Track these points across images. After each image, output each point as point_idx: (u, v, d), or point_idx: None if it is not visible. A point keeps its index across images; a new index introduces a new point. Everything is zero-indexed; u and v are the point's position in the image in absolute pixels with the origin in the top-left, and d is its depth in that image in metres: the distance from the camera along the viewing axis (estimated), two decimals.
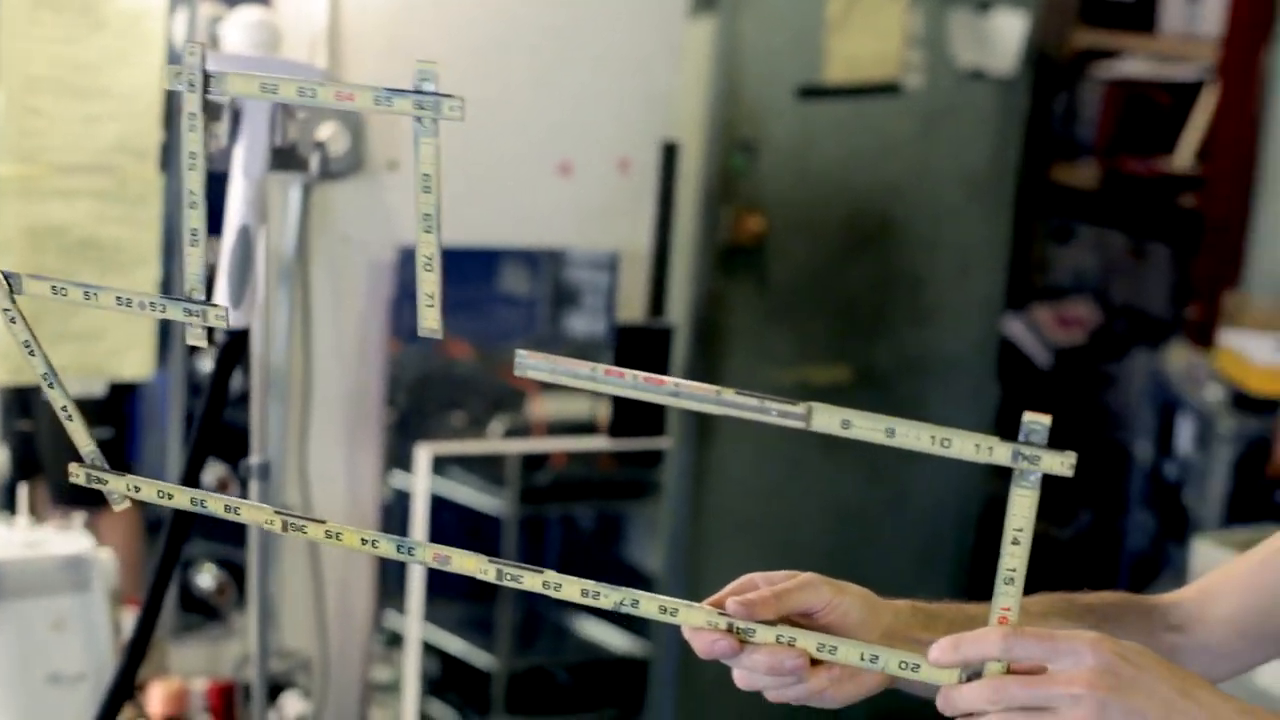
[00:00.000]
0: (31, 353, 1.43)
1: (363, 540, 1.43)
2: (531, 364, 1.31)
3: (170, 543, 2.63)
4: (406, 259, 3.60)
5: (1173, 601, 1.67)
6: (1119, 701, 1.25)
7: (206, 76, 1.34)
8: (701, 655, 1.41)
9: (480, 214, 3.68)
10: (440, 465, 3.79)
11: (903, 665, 1.36)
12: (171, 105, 3.28)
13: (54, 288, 1.42)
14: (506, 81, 3.68)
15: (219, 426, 2.74)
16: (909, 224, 4.81)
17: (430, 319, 1.34)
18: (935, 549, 4.95)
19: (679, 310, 4.44)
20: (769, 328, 4.65)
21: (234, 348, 2.69)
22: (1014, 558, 1.28)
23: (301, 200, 3.38)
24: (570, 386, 1.32)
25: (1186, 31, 5.99)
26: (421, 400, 3.78)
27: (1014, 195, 5.03)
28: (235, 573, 3.50)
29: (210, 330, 1.41)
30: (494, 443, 3.84)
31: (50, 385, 1.45)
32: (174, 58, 3.21)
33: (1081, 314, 6.22)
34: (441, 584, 3.77)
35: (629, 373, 1.30)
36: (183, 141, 1.36)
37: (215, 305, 1.41)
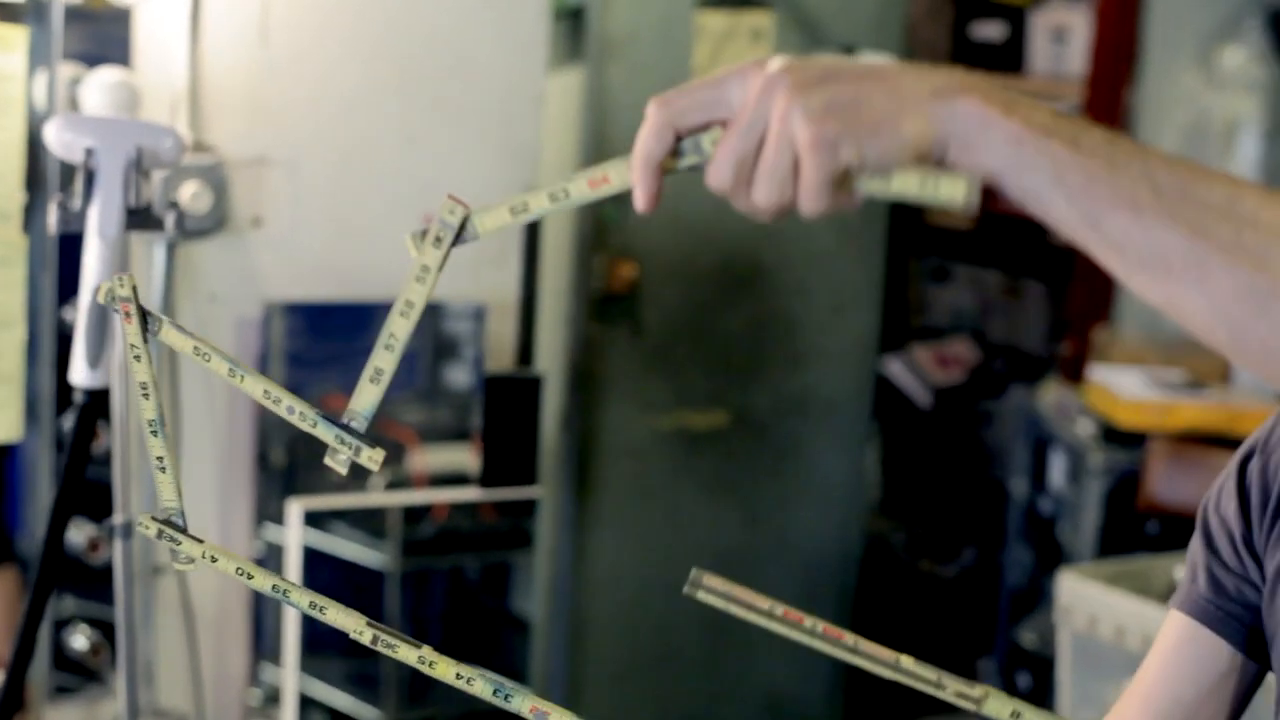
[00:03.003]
0: (146, 395, 1.34)
1: (457, 675, 1.33)
2: (706, 586, 1.26)
3: (33, 604, 2.64)
4: (272, 315, 3.61)
5: None
6: (812, 86, 1.20)
7: (463, 225, 1.24)
8: None
9: (350, 268, 3.70)
10: (322, 520, 3.80)
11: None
12: (34, 167, 3.29)
13: (196, 348, 1.31)
14: (370, 136, 3.71)
15: (81, 486, 2.75)
16: (781, 268, 4.85)
17: None
18: (818, 591, 4.98)
19: (553, 359, 4.47)
20: (645, 374, 4.69)
21: (93, 407, 2.70)
22: None
23: (166, 259, 3.39)
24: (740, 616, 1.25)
25: (1054, 71, 6.09)
26: (300, 455, 3.79)
27: (886, 237, 5.08)
28: (109, 632, 3.49)
29: (355, 462, 1.29)
30: (368, 496, 3.85)
31: (154, 433, 1.35)
32: (35, 119, 3.22)
33: (960, 353, 6.30)
34: (322, 639, 3.78)
35: (808, 619, 1.24)
36: (405, 288, 1.26)
37: (373, 447, 1.29)
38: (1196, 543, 1.68)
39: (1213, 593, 1.64)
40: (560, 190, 1.24)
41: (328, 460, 1.31)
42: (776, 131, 1.21)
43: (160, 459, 1.34)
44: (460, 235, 1.25)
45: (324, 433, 1.30)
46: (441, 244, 1.24)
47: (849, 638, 1.24)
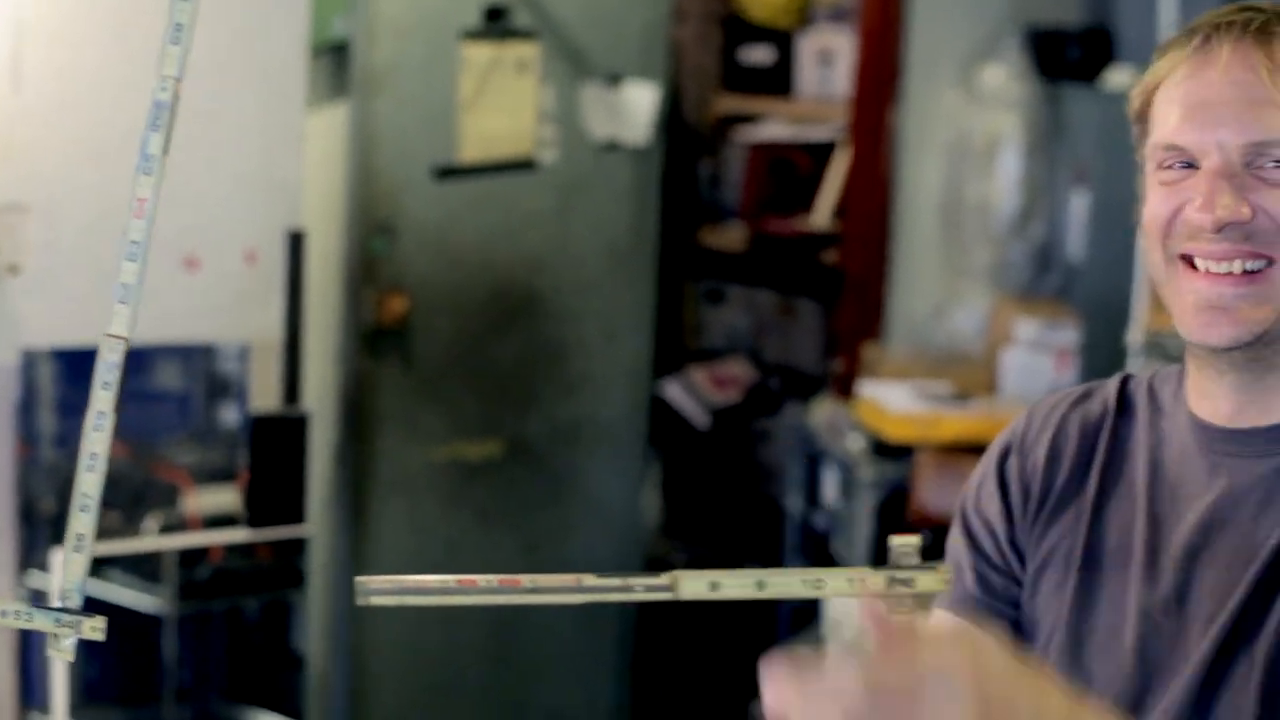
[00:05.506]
0: None
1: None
2: (375, 590, 1.24)
3: None
4: (34, 361, 3.58)
5: None
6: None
7: None
8: None
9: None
10: (94, 566, 3.76)
11: None
12: None
13: None
14: (128, 180, 3.67)
15: None
16: (553, 296, 4.88)
17: None
18: (599, 617, 5.00)
19: (323, 395, 4.46)
20: (419, 406, 4.69)
21: None
22: None
23: None
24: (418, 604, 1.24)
25: (820, 94, 6.17)
26: (69, 501, 3.74)
27: (657, 261, 5.13)
28: None
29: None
30: (140, 540, 3.82)
31: None
32: None
33: (736, 373, 6.36)
34: (96, 688, 3.74)
35: (482, 579, 1.25)
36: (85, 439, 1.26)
37: (92, 616, 1.29)
38: (959, 542, 1.72)
39: (981, 591, 1.69)
40: None
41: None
42: None
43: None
44: None
45: (42, 623, 1.29)
46: None
47: (525, 580, 1.26)
